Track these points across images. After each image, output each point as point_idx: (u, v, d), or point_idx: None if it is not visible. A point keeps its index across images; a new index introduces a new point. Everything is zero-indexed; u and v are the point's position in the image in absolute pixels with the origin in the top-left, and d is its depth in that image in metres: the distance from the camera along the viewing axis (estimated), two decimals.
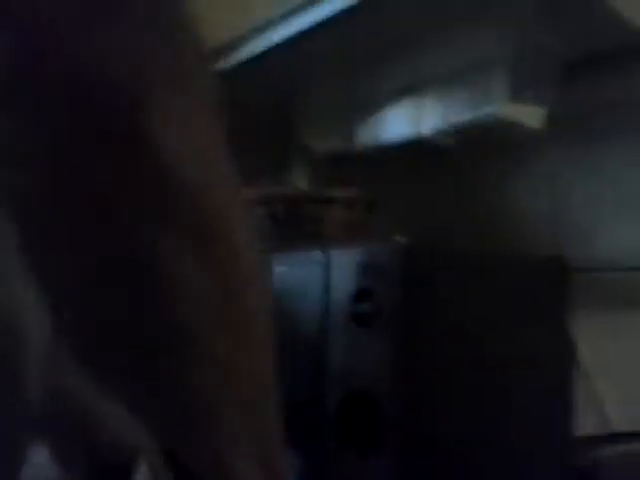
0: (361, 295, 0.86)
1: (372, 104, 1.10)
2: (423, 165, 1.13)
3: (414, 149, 1.07)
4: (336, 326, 0.84)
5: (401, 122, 1.07)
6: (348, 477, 0.83)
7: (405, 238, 0.81)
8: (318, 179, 1.10)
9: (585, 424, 0.87)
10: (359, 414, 0.83)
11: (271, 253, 0.97)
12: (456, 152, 1.04)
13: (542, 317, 0.87)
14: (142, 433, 0.31)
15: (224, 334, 0.28)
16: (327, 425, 0.86)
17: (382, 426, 0.81)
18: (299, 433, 0.89)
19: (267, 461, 0.31)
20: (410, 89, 1.06)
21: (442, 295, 0.83)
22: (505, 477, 0.83)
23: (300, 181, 1.08)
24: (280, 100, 1.16)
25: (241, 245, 0.29)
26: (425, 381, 0.81)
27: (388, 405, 0.80)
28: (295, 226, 0.99)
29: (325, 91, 1.13)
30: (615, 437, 0.85)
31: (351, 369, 0.84)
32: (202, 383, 0.28)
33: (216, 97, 0.29)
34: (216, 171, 0.29)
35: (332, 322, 0.86)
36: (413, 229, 1.06)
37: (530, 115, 0.98)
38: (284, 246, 1.01)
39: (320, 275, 0.87)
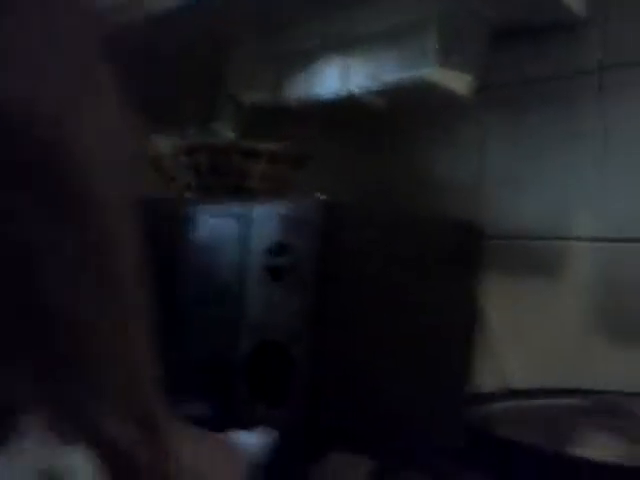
0: (278, 249, 0.86)
1: (302, 57, 1.09)
2: (353, 124, 1.13)
3: (344, 107, 1.07)
4: (253, 279, 0.85)
5: (330, 78, 1.07)
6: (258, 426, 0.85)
7: (326, 195, 0.82)
8: (246, 131, 1.09)
9: (486, 382, 0.92)
10: (271, 365, 0.85)
11: (194, 204, 0.97)
12: (386, 113, 1.05)
13: (452, 277, 0.91)
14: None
15: (89, 299, 0.28)
16: (238, 375, 0.87)
17: (292, 377, 0.83)
18: (212, 383, 0.90)
19: (141, 415, 0.31)
20: (339, 45, 1.05)
21: (357, 251, 0.85)
22: (406, 425, 0.86)
23: (227, 132, 1.07)
24: (209, 48, 1.13)
25: (111, 213, 0.29)
26: (335, 333, 0.83)
27: (299, 356, 0.82)
28: (219, 178, 0.98)
29: (253, 41, 1.12)
30: (514, 394, 0.89)
31: (265, 321, 0.86)
32: (67, 343, 0.28)
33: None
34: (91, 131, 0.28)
35: (249, 275, 0.86)
36: (339, 187, 1.07)
37: (457, 81, 1.00)
38: (207, 197, 1.00)
39: (240, 228, 0.88)
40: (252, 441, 0.72)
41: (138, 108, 1.19)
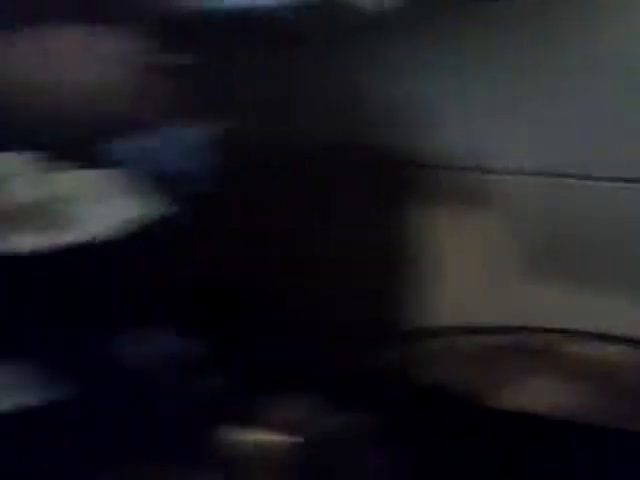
0: None
1: None
2: (258, 40, 1.03)
3: (248, 21, 0.97)
4: None
5: None
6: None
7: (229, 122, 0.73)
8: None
9: (408, 318, 0.88)
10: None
11: None
12: (294, 29, 0.95)
13: (377, 207, 0.86)
14: None
15: None
16: None
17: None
18: None
19: None
20: None
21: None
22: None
23: None
24: None
25: None
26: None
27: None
28: None
29: None
30: (438, 332, 0.86)
31: None
32: None
33: None
34: None
35: None
36: (240, 107, 0.97)
37: None
38: None
39: None
40: None
41: None
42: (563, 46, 0.89)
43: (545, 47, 0.91)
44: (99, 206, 0.70)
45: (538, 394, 0.61)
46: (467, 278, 0.93)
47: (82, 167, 0.71)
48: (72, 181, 0.70)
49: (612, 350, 0.73)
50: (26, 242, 0.67)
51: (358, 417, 0.70)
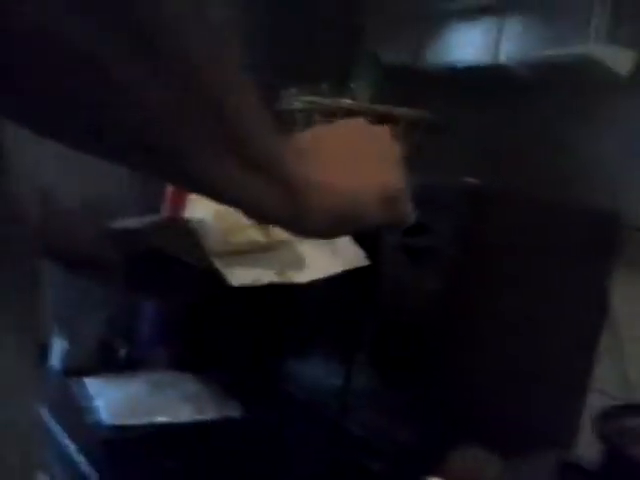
0: (415, 229, 0.82)
1: (448, 20, 1.02)
2: (497, 95, 1.05)
3: (488, 76, 0.99)
4: (386, 258, 0.81)
5: (476, 45, 0.99)
6: (377, 403, 0.84)
7: (474, 179, 0.76)
8: (381, 93, 1.02)
9: (606, 381, 0.87)
10: (396, 343, 0.82)
11: None
12: (534, 86, 0.97)
13: (586, 269, 0.86)
14: None
15: None
16: (363, 353, 0.85)
17: (420, 361, 0.80)
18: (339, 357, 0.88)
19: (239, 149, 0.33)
20: (491, 11, 0.97)
21: (499, 239, 0.80)
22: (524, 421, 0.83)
23: (363, 92, 1.01)
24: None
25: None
26: (467, 321, 0.80)
27: (428, 341, 0.79)
28: None
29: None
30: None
31: (395, 302, 0.82)
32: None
33: None
34: None
35: (383, 253, 0.83)
36: (476, 162, 1.00)
37: (620, 58, 0.91)
38: None
39: None
40: None
41: (271, 59, 1.15)
42: None
43: None
44: (324, 249, 0.76)
45: None
46: None
47: None
48: None
49: None
50: (260, 276, 0.73)
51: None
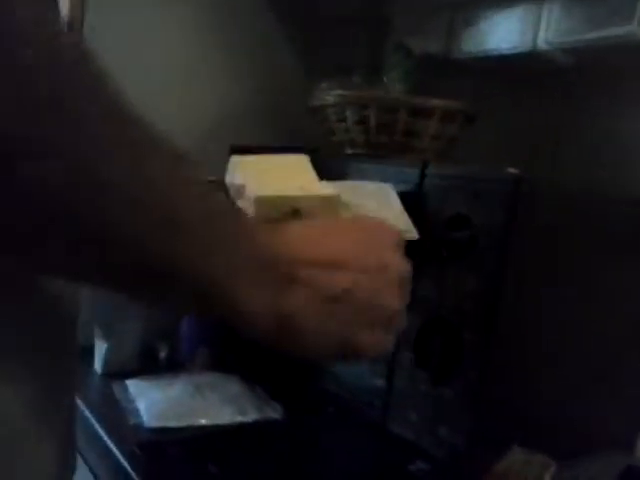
0: (456, 221, 0.80)
1: (480, 5, 0.99)
2: (532, 83, 1.02)
3: (525, 63, 0.96)
4: (425, 251, 0.79)
5: (512, 32, 0.96)
6: (420, 403, 0.82)
7: (515, 169, 0.74)
8: (415, 85, 1.00)
9: None
10: (437, 342, 0.80)
11: (362, 161, 0.91)
12: (572, 72, 0.94)
13: (635, 262, 0.82)
14: None
15: None
16: (404, 349, 0.83)
17: (460, 358, 0.78)
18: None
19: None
20: None
21: (544, 233, 0.78)
22: (578, 420, 0.80)
23: (396, 84, 0.99)
24: None
25: None
26: (510, 319, 0.77)
27: (469, 339, 0.77)
28: (386, 134, 0.92)
29: None
30: None
31: (435, 298, 0.80)
32: None
33: None
34: None
35: (425, 248, 0.81)
36: (515, 152, 0.97)
37: None
38: (374, 155, 0.94)
39: (413, 196, 0.81)
40: None
41: (302, 51, 1.13)
42: None
43: None
44: None
45: None
46: None
47: None
48: None
49: None
50: None
51: None
